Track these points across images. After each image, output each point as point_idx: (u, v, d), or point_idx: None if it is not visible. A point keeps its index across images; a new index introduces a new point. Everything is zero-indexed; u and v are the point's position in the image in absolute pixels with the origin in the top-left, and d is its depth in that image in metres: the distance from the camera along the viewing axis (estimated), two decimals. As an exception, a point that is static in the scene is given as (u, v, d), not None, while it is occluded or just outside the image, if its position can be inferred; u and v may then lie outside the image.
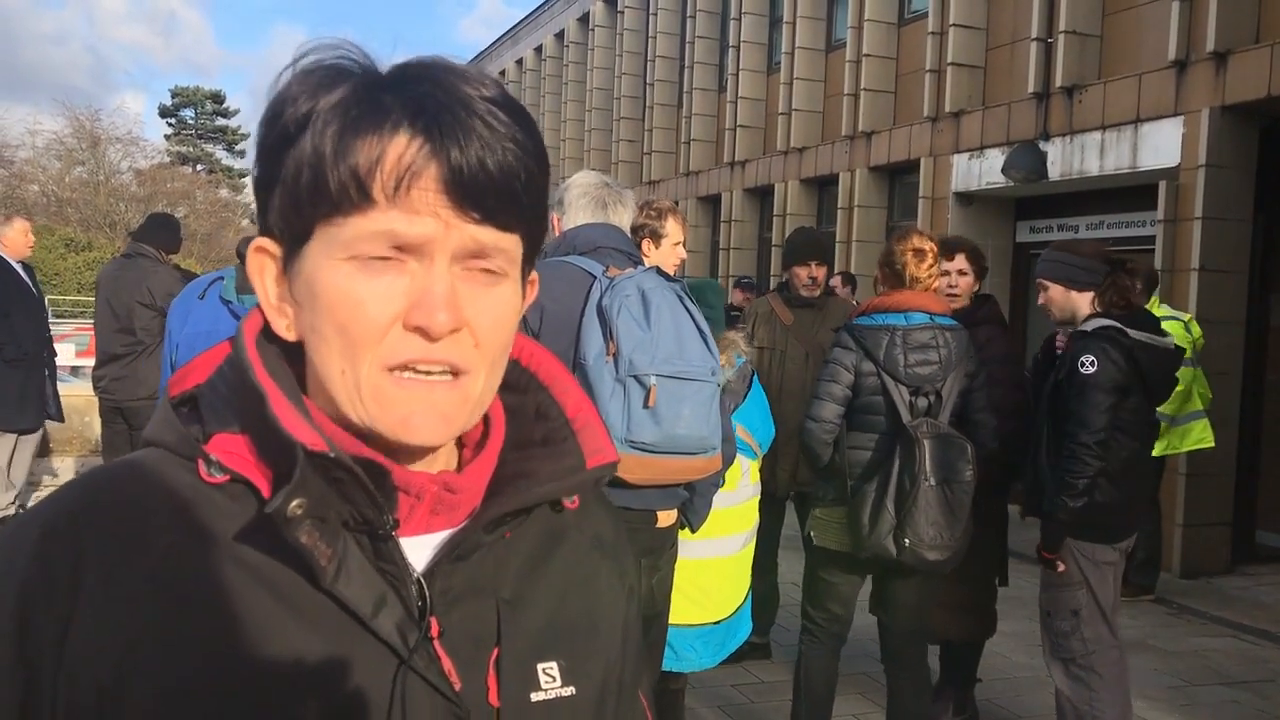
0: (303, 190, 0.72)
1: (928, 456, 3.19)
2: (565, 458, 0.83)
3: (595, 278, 2.66)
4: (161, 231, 6.48)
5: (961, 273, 4.10)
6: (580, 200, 2.91)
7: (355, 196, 0.71)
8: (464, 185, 0.71)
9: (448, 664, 0.76)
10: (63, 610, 0.70)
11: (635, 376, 2.53)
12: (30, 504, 7.51)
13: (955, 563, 3.33)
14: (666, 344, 2.58)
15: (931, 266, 3.41)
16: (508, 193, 0.73)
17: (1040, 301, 3.67)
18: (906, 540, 3.21)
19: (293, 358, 0.78)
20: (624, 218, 2.94)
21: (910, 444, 3.21)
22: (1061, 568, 3.48)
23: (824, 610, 3.57)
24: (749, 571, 3.58)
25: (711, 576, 3.33)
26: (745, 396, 3.58)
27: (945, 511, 3.22)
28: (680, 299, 2.67)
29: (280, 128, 0.73)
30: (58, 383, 6.91)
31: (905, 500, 3.20)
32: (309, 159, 0.71)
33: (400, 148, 0.70)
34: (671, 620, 3.04)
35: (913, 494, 3.18)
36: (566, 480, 0.82)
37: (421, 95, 0.72)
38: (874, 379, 3.32)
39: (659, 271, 2.72)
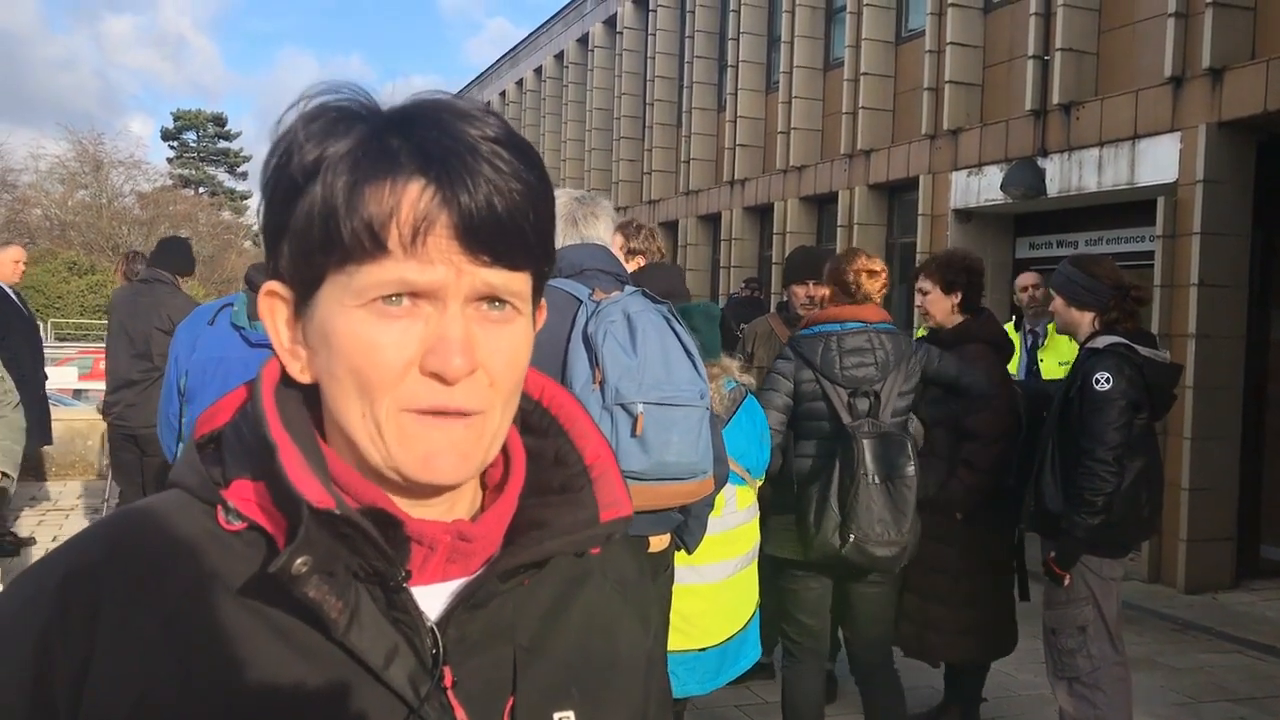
0: (315, 240, 0.72)
1: (868, 454, 3.30)
2: (580, 509, 0.82)
3: (581, 302, 2.61)
4: (174, 255, 6.47)
5: (923, 291, 4.11)
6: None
7: (369, 246, 0.71)
8: (475, 231, 0.71)
9: (461, 714, 0.75)
10: (80, 656, 0.70)
11: (622, 405, 2.48)
12: (22, 529, 7.50)
13: (905, 559, 3.40)
14: (654, 370, 2.53)
15: (884, 288, 3.57)
16: (516, 233, 0.73)
17: (1050, 308, 3.83)
18: (852, 536, 3.29)
19: (311, 400, 0.78)
20: (600, 229, 2.90)
21: (850, 442, 3.32)
22: (1068, 582, 3.48)
23: (795, 623, 3.62)
24: (748, 598, 3.51)
25: (694, 603, 3.27)
26: (728, 423, 3.54)
27: (890, 507, 3.31)
28: (668, 321, 2.63)
29: (288, 176, 0.73)
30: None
31: (847, 497, 3.29)
32: (320, 210, 0.71)
33: (414, 198, 0.70)
34: None
35: (854, 490, 3.28)
36: (579, 534, 0.81)
37: (429, 141, 0.71)
38: (813, 384, 3.46)
39: (645, 294, 2.68)
